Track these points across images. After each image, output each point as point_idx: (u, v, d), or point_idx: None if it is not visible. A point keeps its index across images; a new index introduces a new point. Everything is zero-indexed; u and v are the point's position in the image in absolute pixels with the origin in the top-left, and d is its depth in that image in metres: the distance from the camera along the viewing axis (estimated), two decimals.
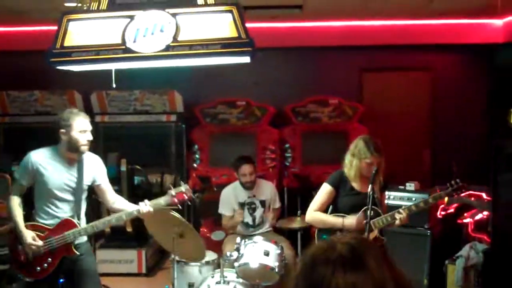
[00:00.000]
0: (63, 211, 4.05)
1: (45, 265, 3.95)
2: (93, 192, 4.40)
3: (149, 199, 7.67)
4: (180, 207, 4.21)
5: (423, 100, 8.45)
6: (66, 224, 4.01)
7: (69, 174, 4.06)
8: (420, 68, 8.36)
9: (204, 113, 7.72)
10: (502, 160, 4.72)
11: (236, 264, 4.90)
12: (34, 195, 4.11)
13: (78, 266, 4.09)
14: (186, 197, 4.16)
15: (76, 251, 4.02)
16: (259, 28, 7.75)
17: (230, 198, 5.99)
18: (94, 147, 7.19)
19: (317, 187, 7.44)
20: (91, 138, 4.10)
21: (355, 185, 4.13)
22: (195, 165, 7.62)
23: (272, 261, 4.91)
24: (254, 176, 5.89)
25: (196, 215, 7.56)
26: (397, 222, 3.99)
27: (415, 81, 8.46)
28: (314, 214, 4.20)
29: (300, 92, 7.91)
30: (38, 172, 3.99)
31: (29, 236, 3.93)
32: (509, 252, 4.71)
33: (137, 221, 7.05)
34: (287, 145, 7.72)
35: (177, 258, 5.13)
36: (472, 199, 5.56)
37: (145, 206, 4.15)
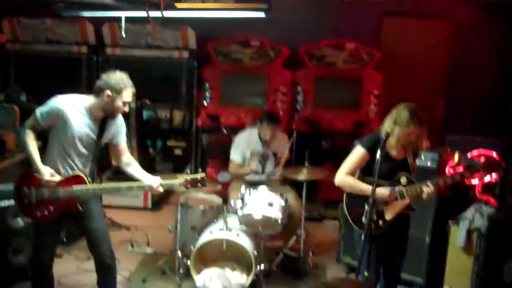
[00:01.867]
0: (76, 165, 3.92)
1: (46, 212, 3.87)
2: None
3: (158, 134, 7.76)
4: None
5: (442, 49, 8.24)
6: (76, 179, 3.89)
7: (92, 129, 3.91)
8: (442, 16, 8.09)
9: (217, 51, 7.59)
10: None
11: (239, 213, 4.93)
12: (48, 145, 3.93)
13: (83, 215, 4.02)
14: (199, 184, 4.07)
15: (80, 208, 3.92)
16: None
17: (244, 145, 5.87)
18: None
19: (326, 134, 7.54)
20: (128, 110, 3.98)
21: (392, 151, 3.95)
22: (205, 103, 7.56)
23: (276, 213, 4.94)
24: (274, 136, 5.77)
25: (203, 154, 7.57)
26: (424, 195, 3.84)
27: (436, 30, 8.21)
28: (345, 178, 3.96)
29: (316, 34, 7.70)
30: (63, 118, 3.80)
31: (47, 172, 3.80)
32: None
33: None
34: (299, 88, 7.62)
35: (181, 201, 5.16)
36: (482, 159, 5.43)
37: (157, 185, 4.00)
